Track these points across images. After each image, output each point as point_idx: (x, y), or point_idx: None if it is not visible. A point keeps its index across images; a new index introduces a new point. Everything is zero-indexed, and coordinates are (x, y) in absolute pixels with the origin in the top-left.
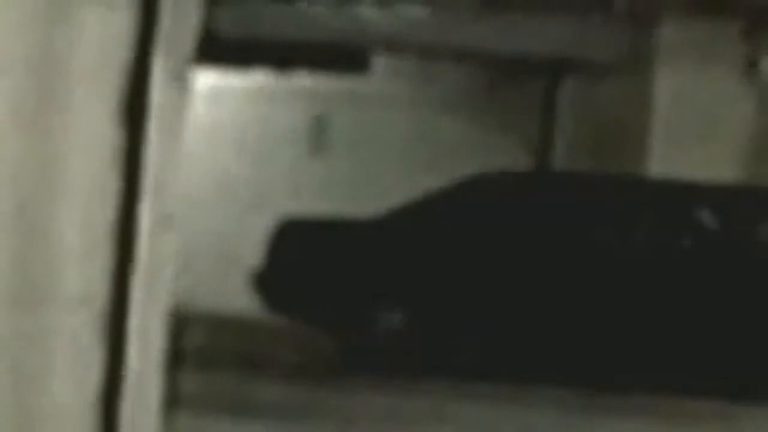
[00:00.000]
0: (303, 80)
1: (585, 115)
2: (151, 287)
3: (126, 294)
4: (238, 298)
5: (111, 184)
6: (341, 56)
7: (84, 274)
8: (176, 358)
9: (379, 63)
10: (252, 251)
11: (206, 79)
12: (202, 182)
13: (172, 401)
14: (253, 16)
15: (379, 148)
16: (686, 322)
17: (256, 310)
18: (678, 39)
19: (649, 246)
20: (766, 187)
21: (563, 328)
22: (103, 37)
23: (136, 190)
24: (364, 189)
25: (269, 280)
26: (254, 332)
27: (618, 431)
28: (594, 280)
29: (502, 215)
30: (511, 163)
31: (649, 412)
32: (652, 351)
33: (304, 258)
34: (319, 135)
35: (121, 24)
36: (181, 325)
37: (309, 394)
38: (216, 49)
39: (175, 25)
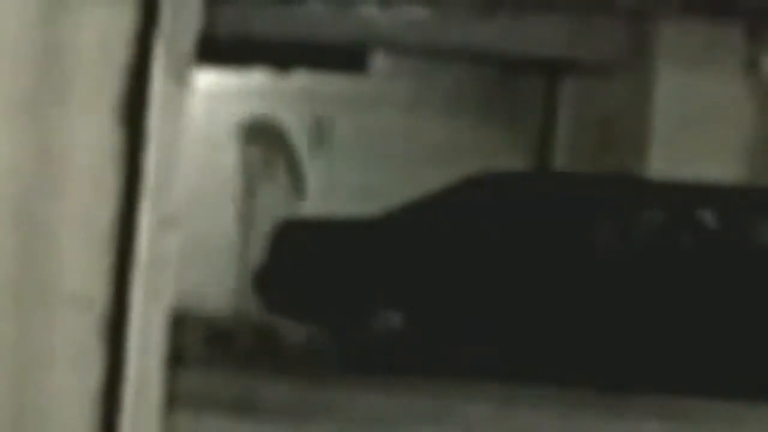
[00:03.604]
0: (303, 80)
1: (585, 115)
2: (151, 287)
3: (126, 294)
4: (238, 298)
5: (111, 183)
6: (341, 56)
7: (84, 274)
8: (176, 358)
9: (379, 63)
10: (252, 251)
11: (206, 79)
12: (202, 182)
13: (172, 401)
14: (253, 16)
15: (379, 148)
16: (687, 322)
17: (256, 310)
18: (678, 39)
19: (649, 246)
20: (766, 187)
21: (563, 328)
22: (103, 37)
23: (136, 190)
24: (364, 189)
25: (269, 280)
26: (254, 332)
27: (619, 431)
28: (594, 280)
29: (502, 215)
30: (511, 163)
31: (650, 412)
32: (653, 351)
33: (303, 258)
34: (318, 135)
35: (121, 24)
36: (181, 325)
37: (309, 394)
38: (216, 49)
39: (175, 25)
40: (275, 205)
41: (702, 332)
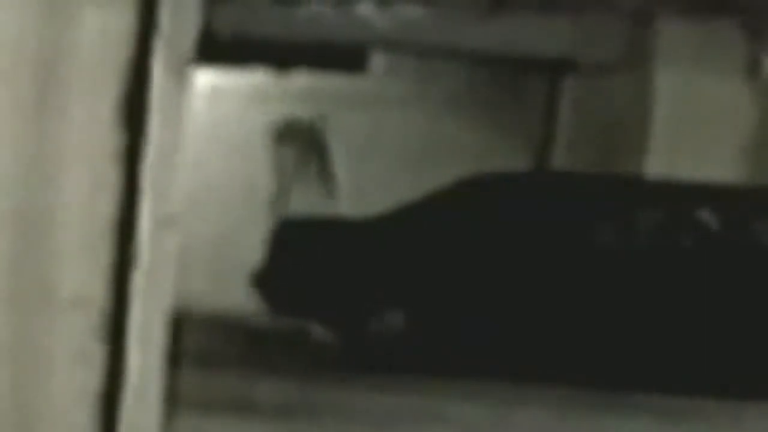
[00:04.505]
0: (303, 80)
1: (585, 115)
2: (151, 287)
3: (126, 294)
4: (238, 298)
5: (111, 183)
6: (341, 56)
7: (84, 274)
8: (176, 358)
9: (379, 63)
10: (252, 251)
11: (206, 79)
12: (202, 182)
13: (172, 401)
14: (253, 16)
15: (378, 148)
16: (687, 322)
17: (256, 310)
18: (678, 39)
19: (649, 246)
20: (766, 187)
21: (563, 328)
22: (103, 37)
23: (136, 190)
24: (364, 189)
25: (269, 279)
26: (254, 332)
27: (619, 430)
28: (594, 280)
29: (502, 215)
30: (511, 163)
31: (651, 412)
32: (653, 350)
33: (304, 258)
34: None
35: (121, 24)
36: (181, 325)
37: (309, 394)
38: (216, 49)
39: (175, 25)
40: (307, 204)
41: (702, 332)
